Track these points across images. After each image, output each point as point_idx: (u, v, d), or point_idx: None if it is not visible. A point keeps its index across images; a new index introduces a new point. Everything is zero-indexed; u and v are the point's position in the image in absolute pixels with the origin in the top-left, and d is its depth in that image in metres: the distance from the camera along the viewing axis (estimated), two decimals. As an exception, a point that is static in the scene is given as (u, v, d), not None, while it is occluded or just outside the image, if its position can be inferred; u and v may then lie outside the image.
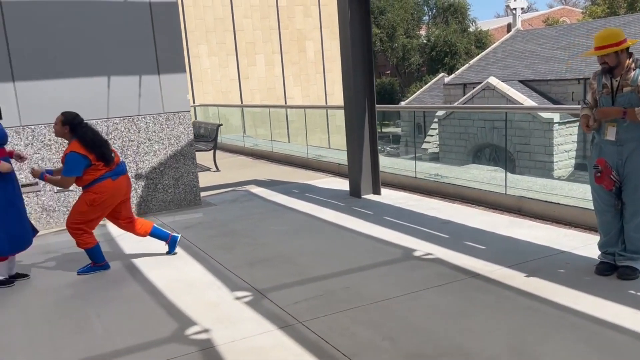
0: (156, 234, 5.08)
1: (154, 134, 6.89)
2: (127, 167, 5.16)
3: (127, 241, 5.60)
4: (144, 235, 5.06)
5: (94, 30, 6.45)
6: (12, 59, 6.09)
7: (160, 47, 6.82)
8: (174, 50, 6.93)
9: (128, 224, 4.97)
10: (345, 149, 7.43)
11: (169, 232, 5.26)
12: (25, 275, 4.75)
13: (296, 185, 8.35)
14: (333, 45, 33.28)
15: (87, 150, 4.55)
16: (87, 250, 4.72)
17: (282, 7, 32.85)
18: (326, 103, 33.26)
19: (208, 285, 4.36)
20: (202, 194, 7.60)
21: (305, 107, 11.09)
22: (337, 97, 33.02)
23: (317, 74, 34.34)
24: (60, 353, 3.36)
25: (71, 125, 4.59)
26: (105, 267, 4.82)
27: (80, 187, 4.75)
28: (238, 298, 4.05)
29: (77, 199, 6.06)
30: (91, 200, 4.61)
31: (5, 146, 4.56)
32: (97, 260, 4.77)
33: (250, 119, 15.79)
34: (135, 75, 6.70)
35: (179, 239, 5.18)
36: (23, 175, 6.25)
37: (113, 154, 4.73)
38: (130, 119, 6.74)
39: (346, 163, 7.62)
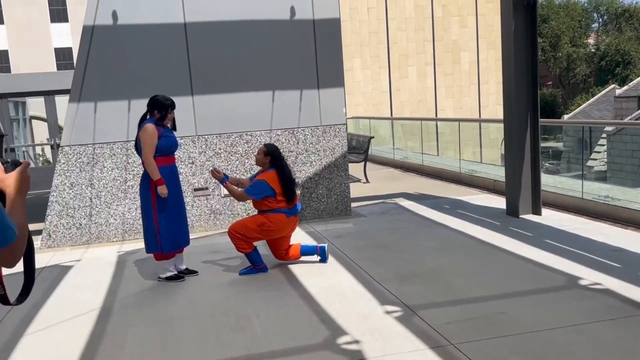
0: (306, 251, 5.31)
1: (311, 145, 7.18)
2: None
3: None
4: (297, 258, 5.32)
5: (262, 47, 6.92)
6: (192, 75, 6.76)
7: (321, 62, 7.11)
8: (334, 65, 7.18)
9: (282, 254, 5.27)
10: (500, 164, 7.11)
11: (316, 243, 5.47)
12: (194, 272, 5.21)
13: (447, 200, 8.15)
14: (490, 56, 32.09)
15: (279, 183, 4.93)
16: (245, 254, 5.06)
17: (437, 19, 32.46)
18: (479, 115, 32.12)
19: (358, 295, 4.42)
20: (352, 204, 7.74)
21: (459, 120, 10.80)
22: (491, 109, 31.75)
23: (471, 85, 33.33)
24: (223, 348, 3.63)
25: (272, 156, 5.00)
26: (264, 269, 5.12)
27: (255, 208, 5.15)
28: (388, 312, 4.05)
29: (241, 205, 6.55)
30: (261, 223, 4.96)
31: (175, 154, 5.06)
32: (255, 264, 5.10)
33: (400, 131, 15.78)
34: (297, 89, 7.05)
35: (327, 248, 5.34)
36: (196, 180, 6.88)
37: (295, 194, 5.08)
38: (291, 131, 7.11)
39: (502, 179, 7.28)
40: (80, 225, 6.60)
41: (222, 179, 5.05)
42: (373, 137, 11.22)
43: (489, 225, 6.41)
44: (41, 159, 24.32)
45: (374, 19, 31.89)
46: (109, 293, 4.78)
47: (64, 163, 6.49)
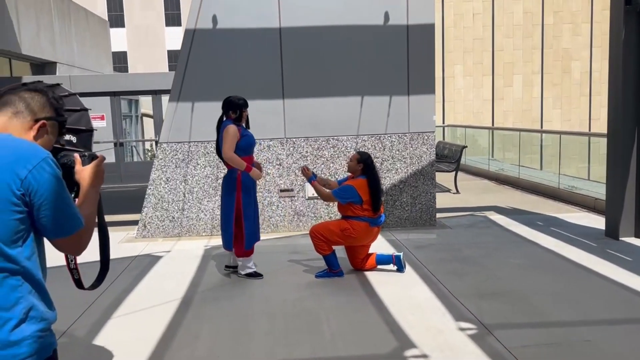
0: (382, 260, 5.26)
1: (397, 152, 7.10)
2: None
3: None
4: (374, 267, 5.29)
5: (353, 52, 6.95)
6: (284, 78, 6.92)
7: (412, 69, 7.01)
8: (426, 71, 7.05)
9: (359, 262, 5.26)
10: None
11: (394, 252, 5.41)
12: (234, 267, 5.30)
13: (541, 217, 7.72)
14: (604, 66, 30.05)
15: (368, 192, 4.96)
16: (323, 256, 5.09)
17: (547, 26, 30.95)
18: (589, 129, 30.19)
19: (433, 309, 4.30)
20: (438, 215, 7.55)
21: (560, 133, 10.21)
22: (603, 122, 29.71)
23: (581, 96, 31.40)
24: (291, 348, 3.67)
25: (365, 164, 5.05)
26: (339, 274, 5.13)
27: (340, 214, 5.20)
28: (462, 329, 3.90)
29: (324, 208, 6.62)
30: (344, 228, 5.00)
31: (252, 154, 5.17)
32: (332, 267, 5.12)
33: (500, 142, 15.17)
34: (386, 95, 7.00)
35: (402, 256, 5.24)
36: (282, 181, 7.03)
37: (381, 205, 5.11)
38: (377, 137, 7.07)
39: (604, 198, 6.78)
40: (173, 218, 6.96)
41: (311, 177, 5.12)
42: (466, 147, 10.87)
43: (584, 246, 5.99)
44: (149, 153, 26.00)
45: (479, 26, 30.98)
46: (191, 285, 5.01)
47: (161, 159, 6.89)
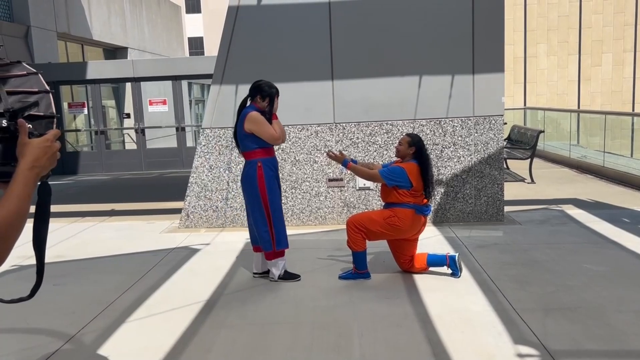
0: (434, 261, 4.62)
1: (460, 138, 6.36)
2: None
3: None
4: (424, 270, 4.67)
5: (410, 26, 6.26)
6: (333, 58, 6.34)
7: (478, 44, 6.22)
8: (494, 47, 6.24)
9: (407, 262, 4.66)
10: None
11: (452, 251, 4.77)
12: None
13: (629, 212, 6.74)
14: None
15: (420, 178, 4.42)
16: (353, 252, 4.55)
17: (643, -1, 28.30)
18: (689, 111, 27.46)
19: (487, 326, 3.64)
20: (508, 208, 6.75)
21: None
22: None
23: (680, 76, 28.54)
24: (312, 369, 3.16)
25: (417, 147, 4.49)
26: (366, 275, 4.58)
27: (382, 200, 4.64)
28: (520, 355, 3.23)
29: (376, 199, 6.02)
30: (388, 216, 4.44)
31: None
32: (359, 267, 4.57)
33: (585, 126, 13.80)
34: (447, 75, 6.26)
35: (458, 258, 4.57)
36: (331, 170, 6.49)
37: (432, 194, 4.58)
38: (437, 121, 6.35)
39: None
40: (217, 208, 6.62)
41: (344, 160, 4.54)
42: (543, 132, 9.84)
43: (682, 252, 5.05)
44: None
45: (566, 2, 28.87)
46: (220, 285, 4.60)
47: (204, 145, 6.54)
